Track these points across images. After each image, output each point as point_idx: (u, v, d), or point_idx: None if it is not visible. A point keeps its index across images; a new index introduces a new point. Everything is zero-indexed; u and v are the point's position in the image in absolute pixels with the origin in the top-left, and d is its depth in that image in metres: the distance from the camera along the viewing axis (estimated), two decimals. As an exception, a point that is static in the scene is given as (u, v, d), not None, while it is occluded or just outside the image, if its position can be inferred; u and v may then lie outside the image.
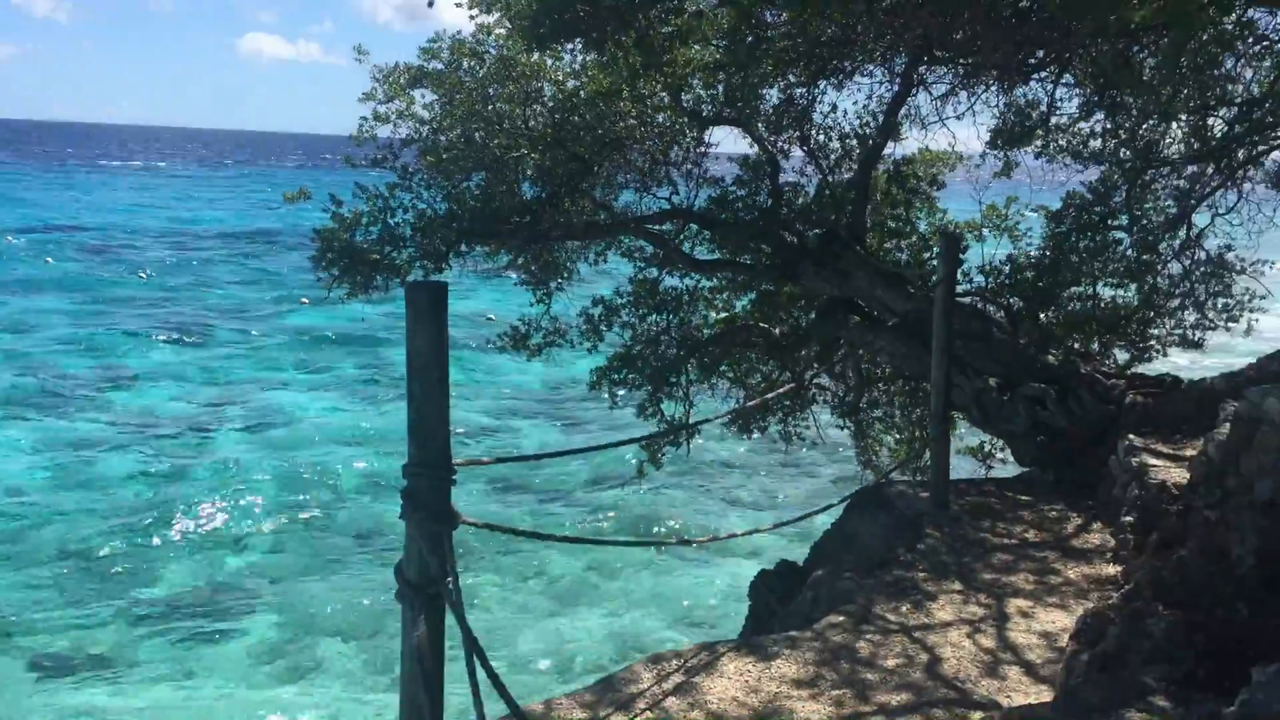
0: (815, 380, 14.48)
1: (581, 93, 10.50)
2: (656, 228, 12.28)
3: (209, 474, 25.05)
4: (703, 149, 12.15)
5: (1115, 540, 8.37)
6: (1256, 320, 13.06)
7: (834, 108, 11.92)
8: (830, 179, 12.25)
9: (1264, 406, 7.06)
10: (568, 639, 17.16)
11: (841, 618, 7.08)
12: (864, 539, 9.01)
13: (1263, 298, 12.86)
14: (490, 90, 11.09)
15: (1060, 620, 7.14)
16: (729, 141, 12.95)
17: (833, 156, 12.19)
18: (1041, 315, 12.61)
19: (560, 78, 10.80)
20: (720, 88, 11.72)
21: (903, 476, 14.12)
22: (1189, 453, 8.80)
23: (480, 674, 4.17)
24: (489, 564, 19.73)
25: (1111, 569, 7.99)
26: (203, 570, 20.00)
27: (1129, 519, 8.26)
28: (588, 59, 10.76)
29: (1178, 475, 8.12)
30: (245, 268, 60.75)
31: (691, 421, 13.04)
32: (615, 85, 10.15)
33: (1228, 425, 8.37)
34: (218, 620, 17.77)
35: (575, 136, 10.87)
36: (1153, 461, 8.58)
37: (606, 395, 12.93)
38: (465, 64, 10.69)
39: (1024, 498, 9.73)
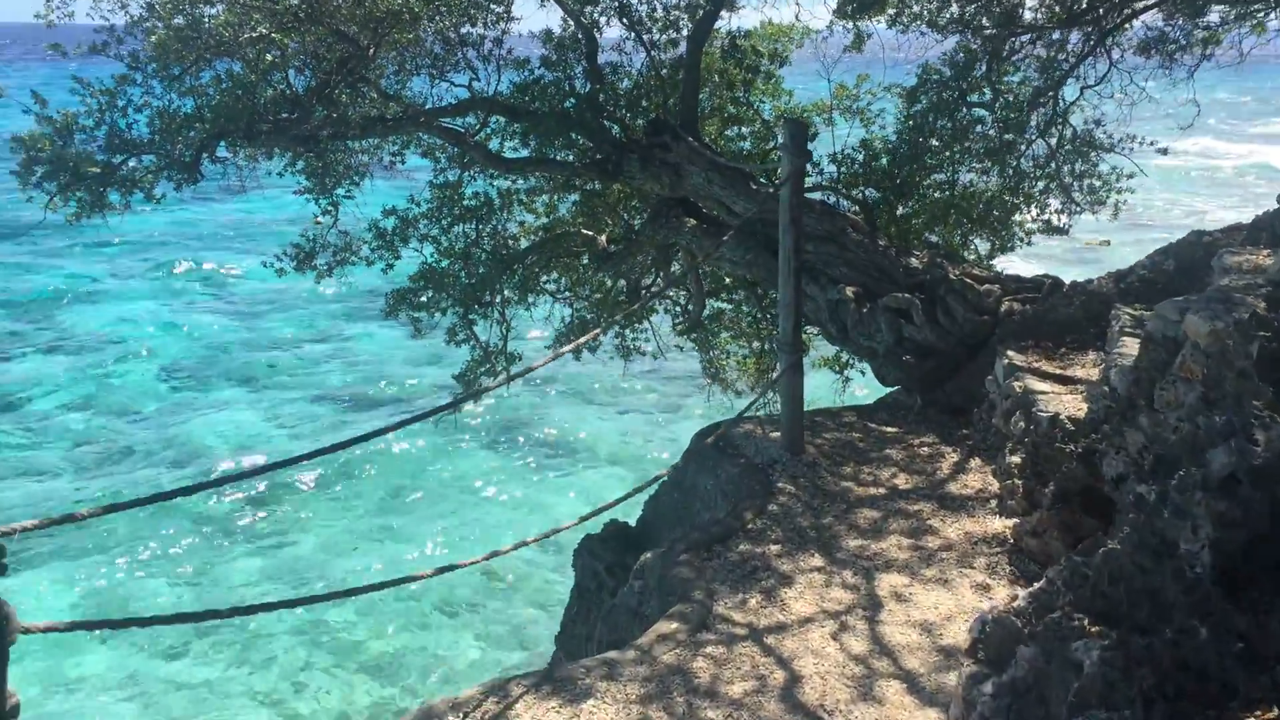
0: (653, 288, 12.87)
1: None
2: (454, 121, 10.29)
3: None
4: (505, 24, 10.13)
5: (1000, 485, 7.03)
6: (1125, 202, 11.91)
7: (658, -33, 10.02)
8: (656, 57, 10.40)
9: (1185, 325, 5.70)
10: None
11: (674, 624, 5.54)
12: (705, 495, 7.48)
13: (1130, 176, 11.66)
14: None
15: (943, 603, 5.76)
16: (537, 15, 10.97)
17: (658, 30, 10.31)
18: (899, 208, 11.21)
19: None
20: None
21: (751, 394, 12.78)
22: (1079, 372, 7.50)
23: None
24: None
25: (998, 524, 6.64)
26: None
27: (1015, 459, 6.93)
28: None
29: (1072, 405, 6.78)
30: None
31: (512, 353, 11.33)
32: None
33: (1125, 341, 7.08)
34: None
35: (337, 11, 8.76)
36: (1038, 385, 7.23)
37: (407, 323, 11.02)
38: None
39: (889, 429, 8.34)
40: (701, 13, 9.85)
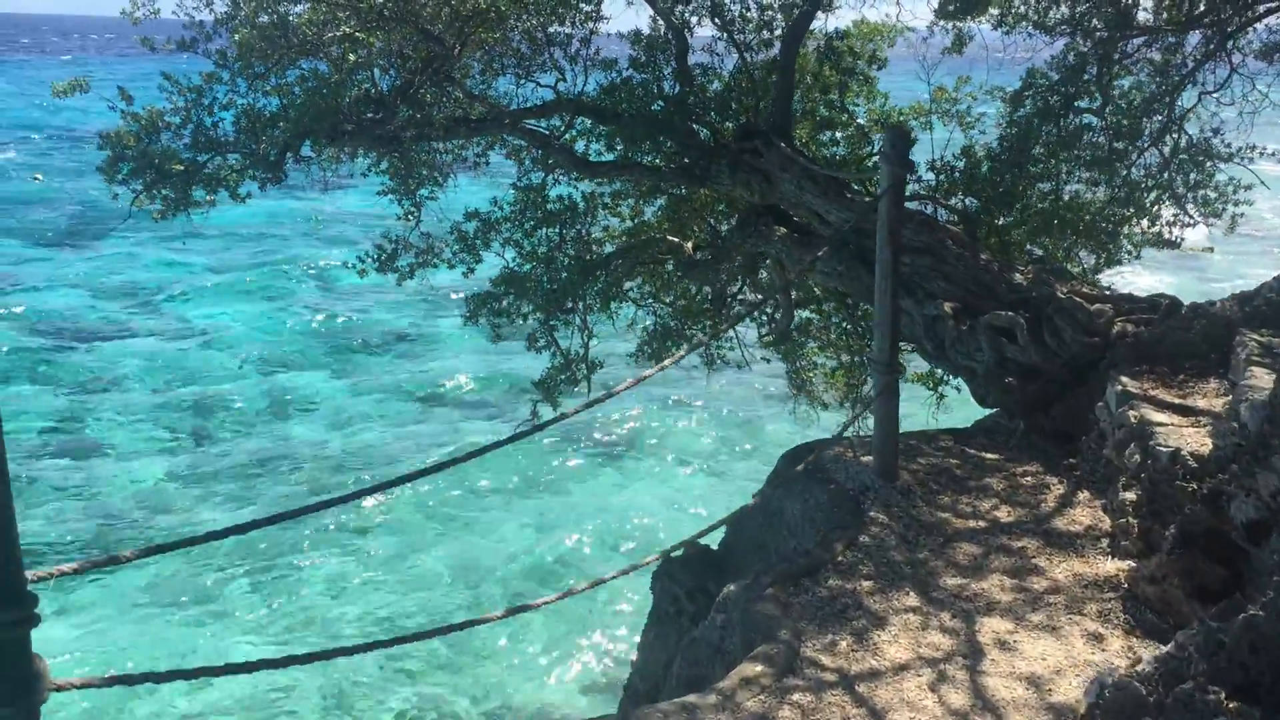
0: (739, 296, 12.50)
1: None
2: (539, 123, 10.04)
3: None
4: (593, 24, 9.85)
5: (1112, 523, 6.54)
6: (1242, 215, 11.24)
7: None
8: (749, 58, 10.02)
9: (1329, 362, 5.19)
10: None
11: (759, 667, 5.18)
12: (792, 521, 7.10)
13: (1248, 188, 10.99)
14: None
15: (1052, 653, 5.31)
16: (626, 15, 10.67)
17: (751, 30, 9.93)
18: (1000, 218, 10.68)
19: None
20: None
21: (838, 408, 12.39)
22: (1200, 403, 6.96)
23: None
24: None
25: (1111, 565, 6.17)
26: None
27: (1130, 496, 6.43)
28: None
29: (1194, 440, 6.27)
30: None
31: (591, 359, 11.06)
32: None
33: (1254, 371, 6.55)
34: None
35: (423, 10, 8.56)
36: (1156, 416, 6.72)
37: (486, 327, 10.79)
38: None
39: (989, 456, 7.86)
40: (797, 12, 9.45)
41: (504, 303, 10.61)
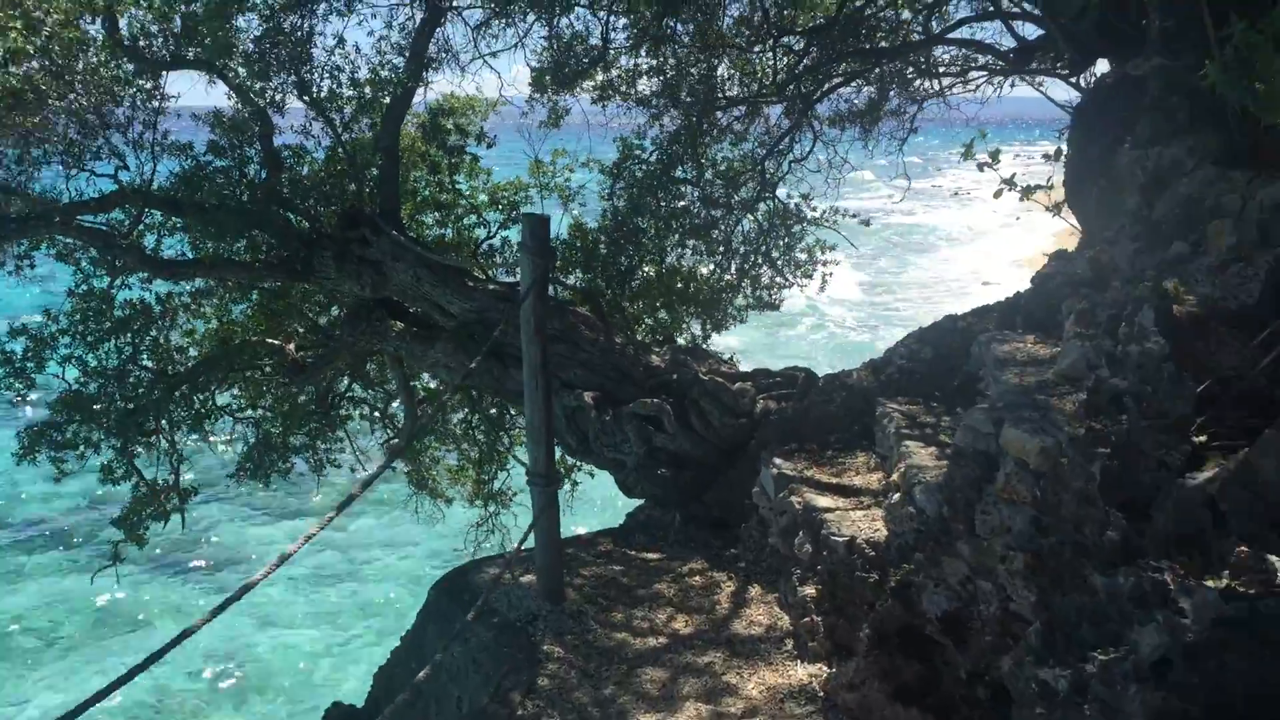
0: (347, 394, 11.42)
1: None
2: (97, 219, 8.53)
3: None
4: (158, 103, 8.53)
5: (793, 621, 6.22)
6: (830, 275, 11.77)
7: (341, 41, 8.70)
8: (347, 139, 9.07)
9: (1005, 441, 5.10)
10: None
11: None
12: (453, 667, 6.20)
13: (833, 248, 11.54)
14: None
15: (770, 793, 4.81)
16: (198, 93, 9.40)
17: (346, 108, 8.98)
18: (619, 294, 10.45)
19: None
20: (178, 18, 8.21)
21: (468, 505, 11.61)
22: (855, 479, 6.86)
23: None
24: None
25: (802, 671, 5.81)
26: None
27: (809, 591, 6.14)
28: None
29: (865, 526, 6.09)
30: None
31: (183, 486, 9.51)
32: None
33: (910, 446, 6.50)
34: None
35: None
36: (818, 500, 6.51)
37: (48, 463, 8.96)
38: None
39: (651, 556, 7.38)
40: (400, 90, 8.62)
41: (68, 432, 8.87)
